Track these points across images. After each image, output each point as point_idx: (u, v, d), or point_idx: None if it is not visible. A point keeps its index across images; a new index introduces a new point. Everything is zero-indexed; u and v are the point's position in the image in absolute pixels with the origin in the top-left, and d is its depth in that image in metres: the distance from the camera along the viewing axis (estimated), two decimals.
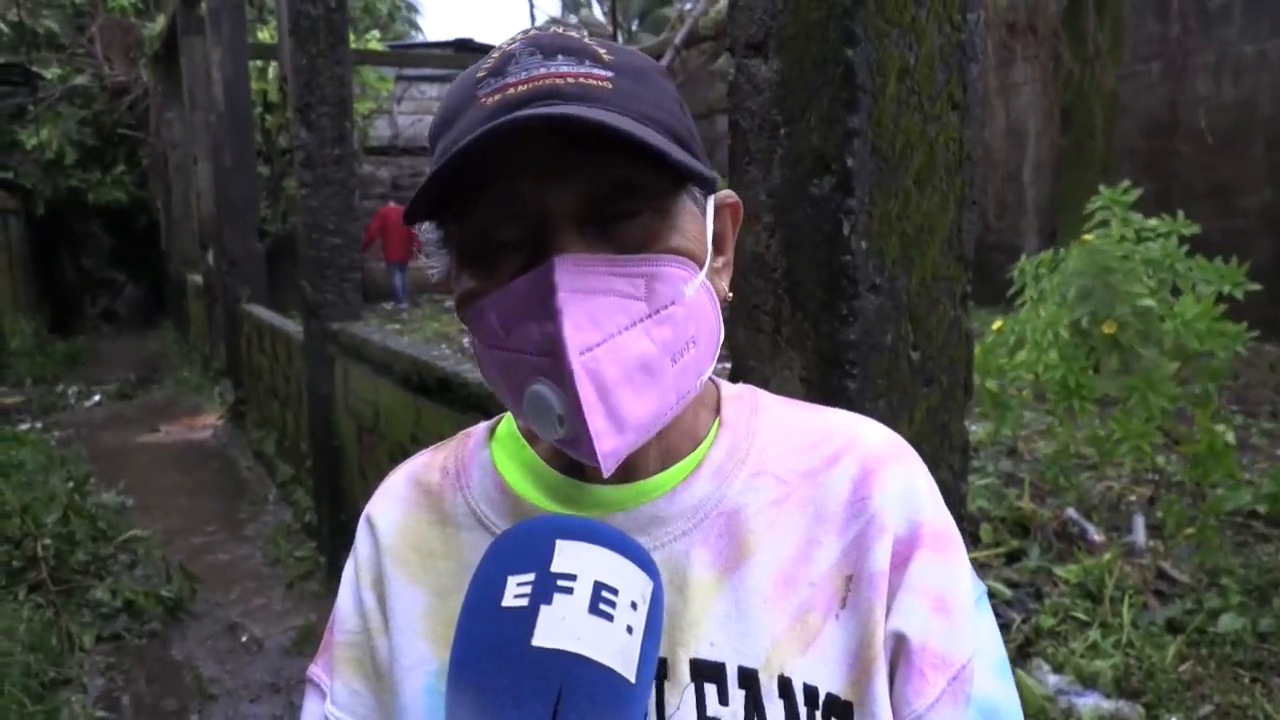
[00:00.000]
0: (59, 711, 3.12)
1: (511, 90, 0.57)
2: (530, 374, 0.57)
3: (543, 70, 0.57)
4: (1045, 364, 3.17)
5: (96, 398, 9.02)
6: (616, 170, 0.56)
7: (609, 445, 0.55)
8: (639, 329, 0.56)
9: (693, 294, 0.59)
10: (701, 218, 0.63)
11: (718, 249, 0.67)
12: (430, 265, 0.66)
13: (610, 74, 0.58)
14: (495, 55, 0.60)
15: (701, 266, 0.61)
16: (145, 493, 5.64)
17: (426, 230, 0.64)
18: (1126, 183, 3.43)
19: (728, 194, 0.68)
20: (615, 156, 0.55)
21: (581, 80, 0.57)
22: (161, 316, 14.07)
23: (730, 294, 0.67)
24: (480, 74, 0.59)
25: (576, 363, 0.54)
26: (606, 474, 0.57)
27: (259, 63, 10.86)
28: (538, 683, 0.48)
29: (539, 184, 0.56)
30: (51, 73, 12.45)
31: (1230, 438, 3.08)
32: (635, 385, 0.56)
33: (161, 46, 11.11)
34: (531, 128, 0.52)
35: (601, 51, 0.59)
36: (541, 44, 0.59)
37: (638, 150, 0.54)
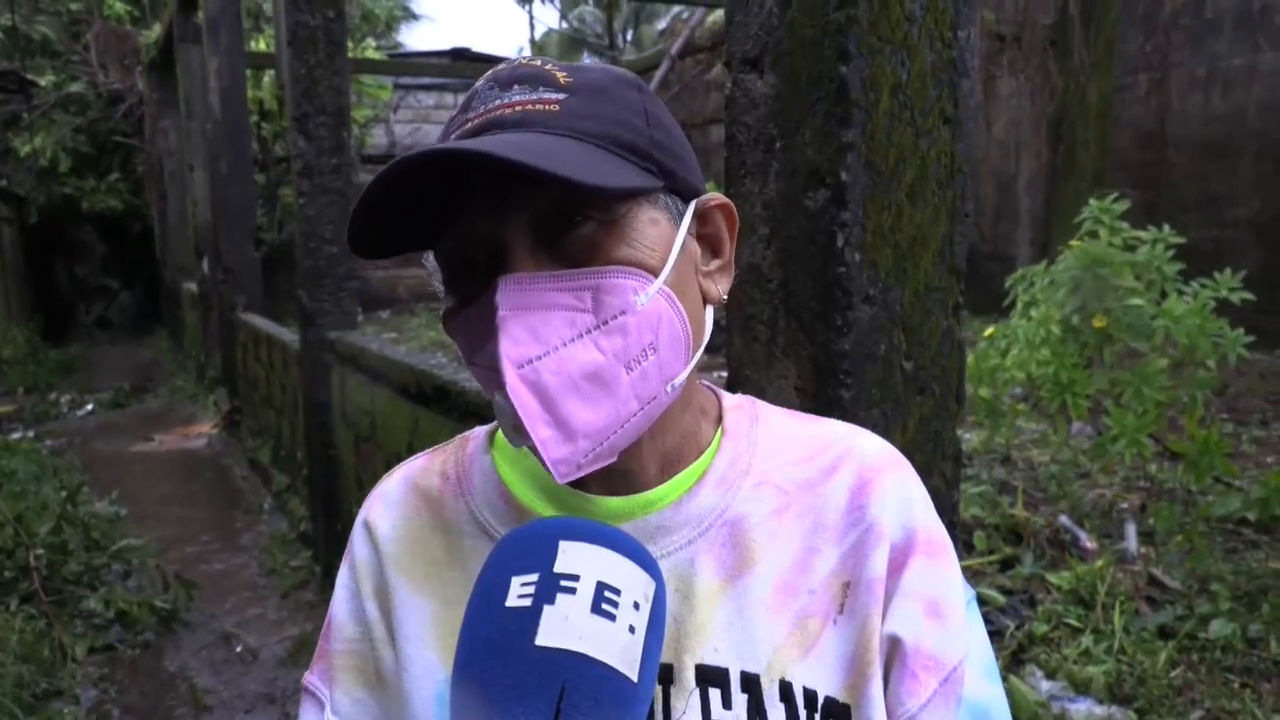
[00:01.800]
0: None
1: (468, 124, 0.61)
2: (494, 387, 0.60)
3: (497, 102, 0.61)
4: (1037, 362, 3.19)
5: (90, 406, 8.99)
6: (555, 190, 0.57)
7: (557, 453, 0.57)
8: (586, 340, 0.58)
9: (645, 302, 0.60)
10: (670, 224, 0.64)
11: (715, 252, 0.69)
12: (436, 287, 0.69)
13: (562, 96, 0.61)
14: (467, 94, 0.64)
15: (657, 274, 0.61)
16: (139, 502, 5.62)
17: (429, 255, 0.69)
18: (1114, 193, 3.46)
19: (713, 196, 0.69)
20: (542, 177, 0.57)
21: (527, 108, 0.60)
22: (156, 325, 14.04)
23: (724, 296, 0.69)
24: (456, 112, 0.64)
25: (513, 375, 0.56)
26: (561, 481, 0.59)
27: (254, 71, 10.87)
28: (540, 682, 0.49)
29: (492, 213, 0.60)
30: (46, 80, 12.44)
31: (1217, 438, 3.10)
32: (582, 394, 0.58)
33: (158, 54, 11.12)
34: (464, 161, 0.55)
35: (561, 75, 0.62)
36: (499, 78, 0.63)
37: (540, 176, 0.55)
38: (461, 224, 0.61)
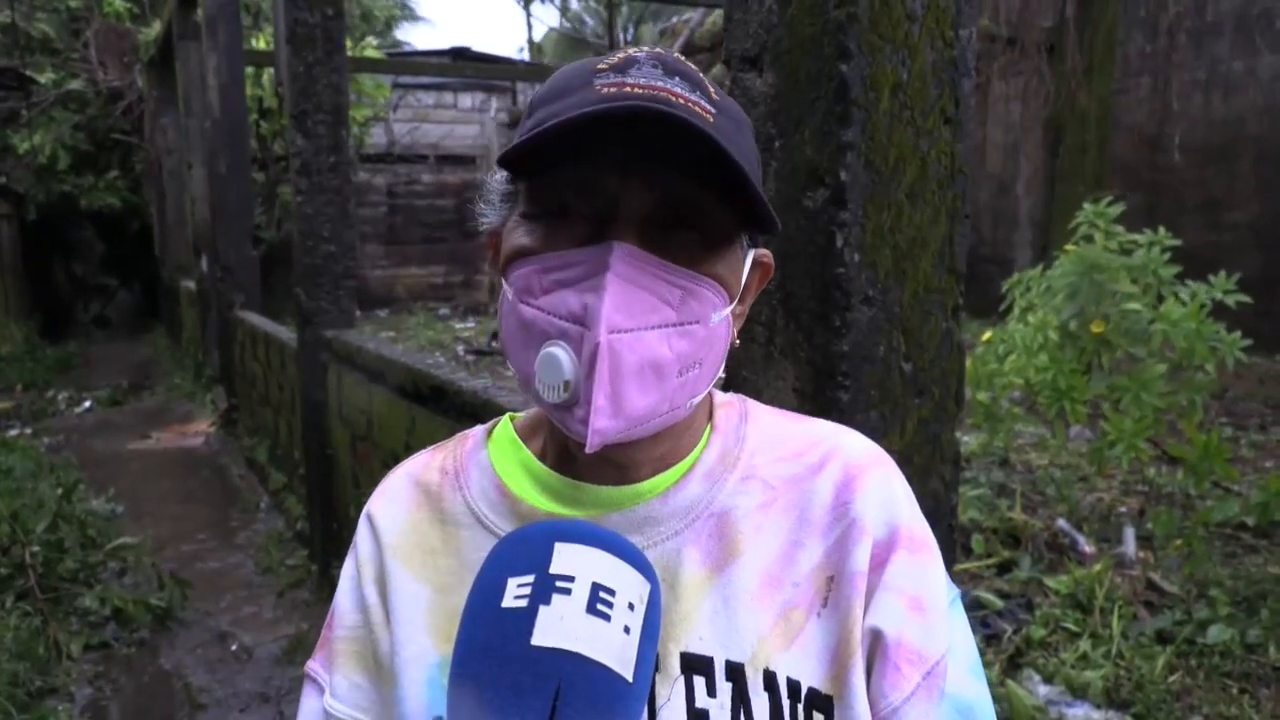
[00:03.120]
0: None
1: (629, 88, 0.60)
2: (551, 336, 0.60)
3: (660, 83, 0.61)
4: (1035, 367, 3.20)
5: (87, 404, 8.97)
6: (691, 189, 0.60)
7: (602, 423, 0.58)
8: (663, 333, 0.60)
9: (717, 320, 0.63)
10: (742, 263, 0.67)
11: (740, 298, 0.71)
12: (484, 213, 0.70)
13: (714, 110, 0.62)
14: (618, 56, 0.64)
15: (732, 301, 0.65)
16: (136, 500, 5.61)
17: (496, 180, 0.69)
18: (1109, 197, 3.46)
19: (764, 253, 0.72)
20: (695, 178, 0.60)
21: (691, 105, 0.61)
22: (154, 322, 14.02)
23: (738, 341, 0.71)
24: (601, 67, 0.63)
25: (605, 338, 0.57)
26: (590, 450, 0.59)
27: (254, 69, 10.86)
28: (536, 681, 0.49)
29: (623, 175, 0.60)
30: (46, 77, 12.42)
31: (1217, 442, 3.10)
32: (643, 380, 0.59)
33: (157, 52, 11.11)
34: (641, 120, 0.56)
35: (711, 89, 0.64)
36: (664, 61, 0.63)
37: (723, 170, 0.58)
38: (587, 170, 0.61)
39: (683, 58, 0.66)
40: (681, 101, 0.60)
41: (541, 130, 0.57)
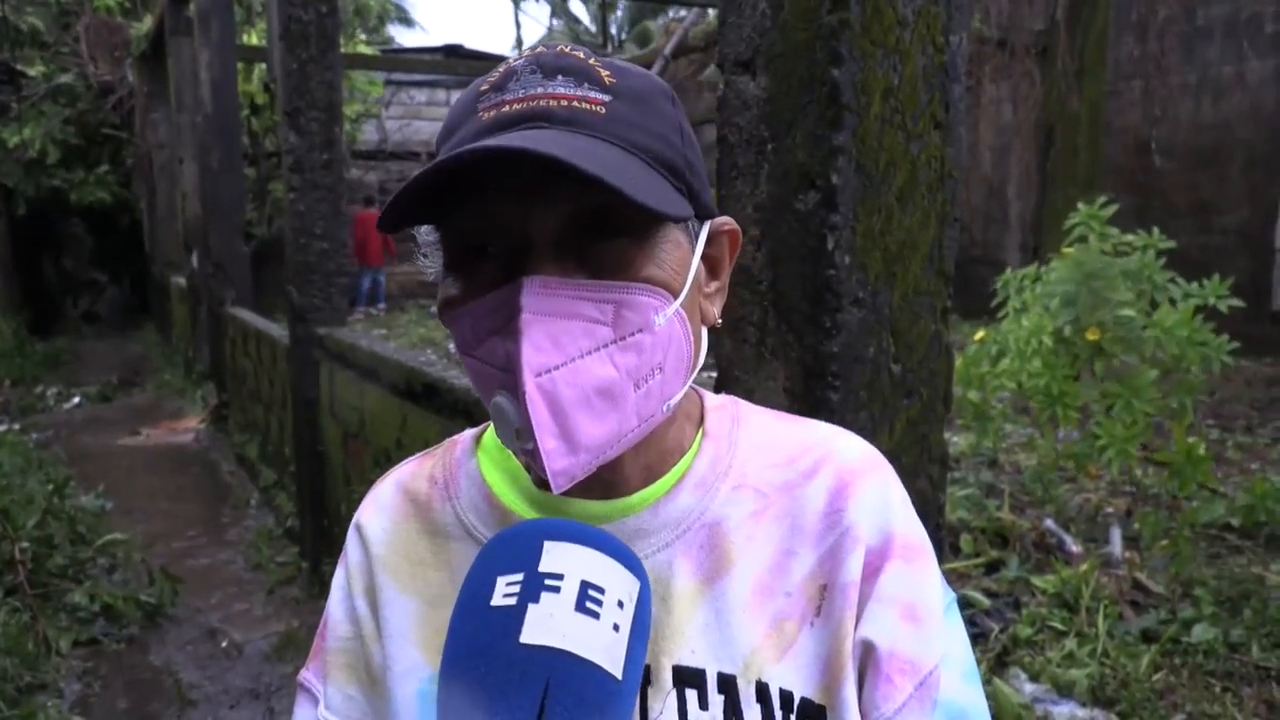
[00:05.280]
0: (34, 716, 3.08)
1: (506, 108, 0.58)
2: (495, 385, 0.59)
3: (539, 90, 0.59)
4: (1029, 372, 3.22)
5: (76, 400, 8.93)
6: (598, 197, 0.56)
7: (560, 464, 0.57)
8: (602, 354, 0.58)
9: (663, 323, 0.60)
10: (688, 246, 0.64)
11: (713, 274, 0.69)
12: (426, 265, 0.67)
13: (607, 97, 0.59)
14: (499, 70, 0.61)
15: (676, 296, 0.61)
16: (125, 496, 5.59)
17: (426, 231, 0.66)
18: (1104, 198, 3.48)
19: (725, 221, 0.69)
20: (592, 184, 0.55)
21: (574, 104, 0.58)
22: (144, 318, 13.96)
23: (719, 320, 0.69)
24: (484, 88, 0.61)
25: (531, 384, 0.55)
26: (557, 491, 0.58)
27: (244, 65, 10.82)
28: (525, 679, 0.49)
29: (521, 205, 0.58)
30: (36, 70, 12.34)
31: (1201, 450, 3.13)
32: (592, 408, 0.57)
33: (148, 46, 11.05)
34: (477, 151, 0.53)
35: (605, 74, 0.60)
36: (543, 63, 0.60)
37: (591, 181, 0.54)
38: (484, 208, 0.59)
39: (567, 49, 0.61)
40: (561, 104, 0.58)
41: (405, 190, 0.55)
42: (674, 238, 0.62)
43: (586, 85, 0.59)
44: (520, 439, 0.57)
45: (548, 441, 0.56)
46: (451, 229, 0.61)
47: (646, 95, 0.62)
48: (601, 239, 0.59)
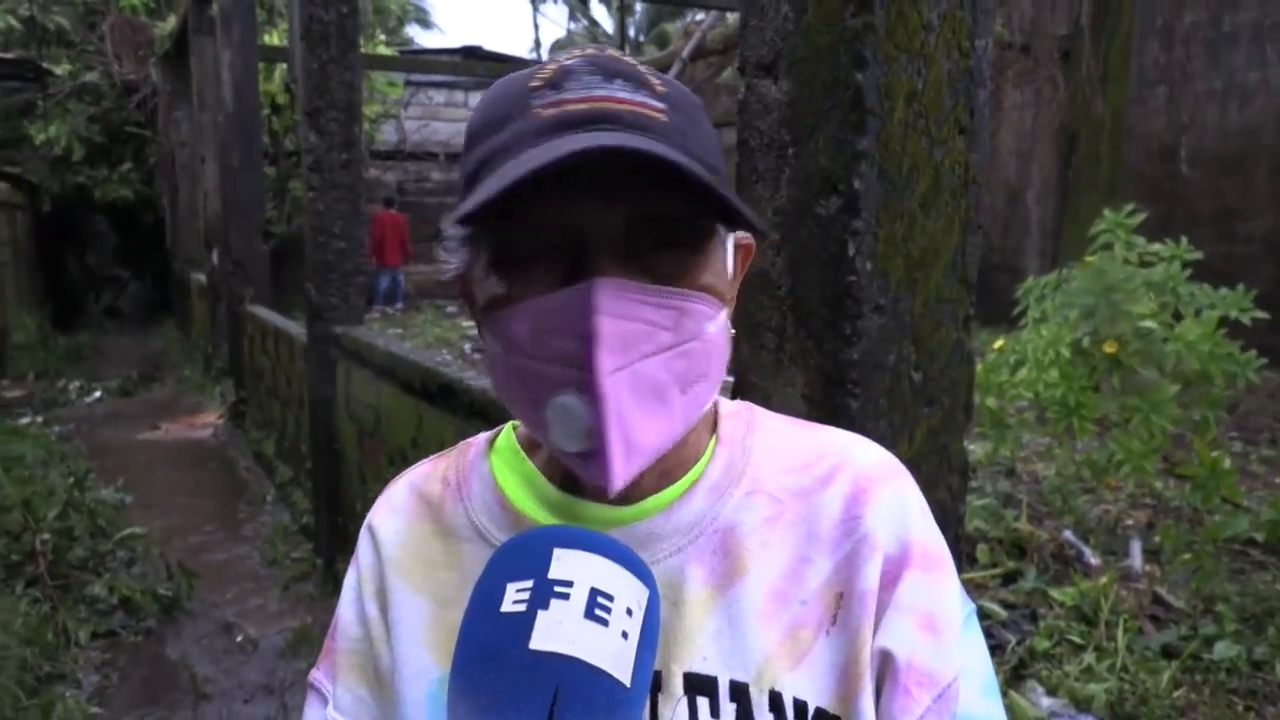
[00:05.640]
0: (53, 707, 3.11)
1: (569, 106, 0.58)
2: (555, 385, 0.58)
3: (601, 92, 0.58)
4: (1046, 383, 3.18)
5: (98, 394, 9.03)
6: (662, 202, 0.57)
7: (620, 467, 0.57)
8: (661, 358, 0.58)
9: (713, 331, 0.61)
10: (726, 259, 0.65)
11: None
12: (448, 260, 0.66)
13: (664, 105, 0.59)
14: (550, 68, 0.60)
15: (724, 305, 0.63)
16: (144, 490, 5.64)
17: (449, 227, 0.64)
18: (1130, 206, 3.44)
19: (744, 235, 0.69)
20: (662, 189, 0.56)
21: (637, 109, 0.58)
22: (165, 314, 14.09)
23: (733, 330, 0.69)
24: (535, 84, 0.60)
25: (606, 382, 0.55)
26: (613, 494, 0.58)
27: (265, 64, 10.90)
28: (534, 685, 0.49)
29: (587, 205, 0.57)
30: (62, 69, 12.49)
31: (1226, 464, 3.08)
32: (649, 412, 0.58)
33: (172, 46, 11.17)
34: (589, 152, 0.53)
35: (656, 82, 0.61)
36: (600, 64, 0.60)
37: (690, 186, 0.55)
38: (542, 209, 0.57)
39: (618, 54, 0.62)
40: (626, 108, 0.58)
41: (488, 199, 0.53)
42: (721, 247, 0.63)
43: (643, 92, 0.59)
44: (590, 439, 0.57)
45: (616, 442, 0.56)
46: (509, 228, 0.59)
47: (692, 107, 0.63)
48: (661, 245, 0.59)
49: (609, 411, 0.55)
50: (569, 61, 0.60)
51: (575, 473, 0.62)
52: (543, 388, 0.59)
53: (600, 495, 0.66)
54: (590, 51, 0.62)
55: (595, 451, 0.57)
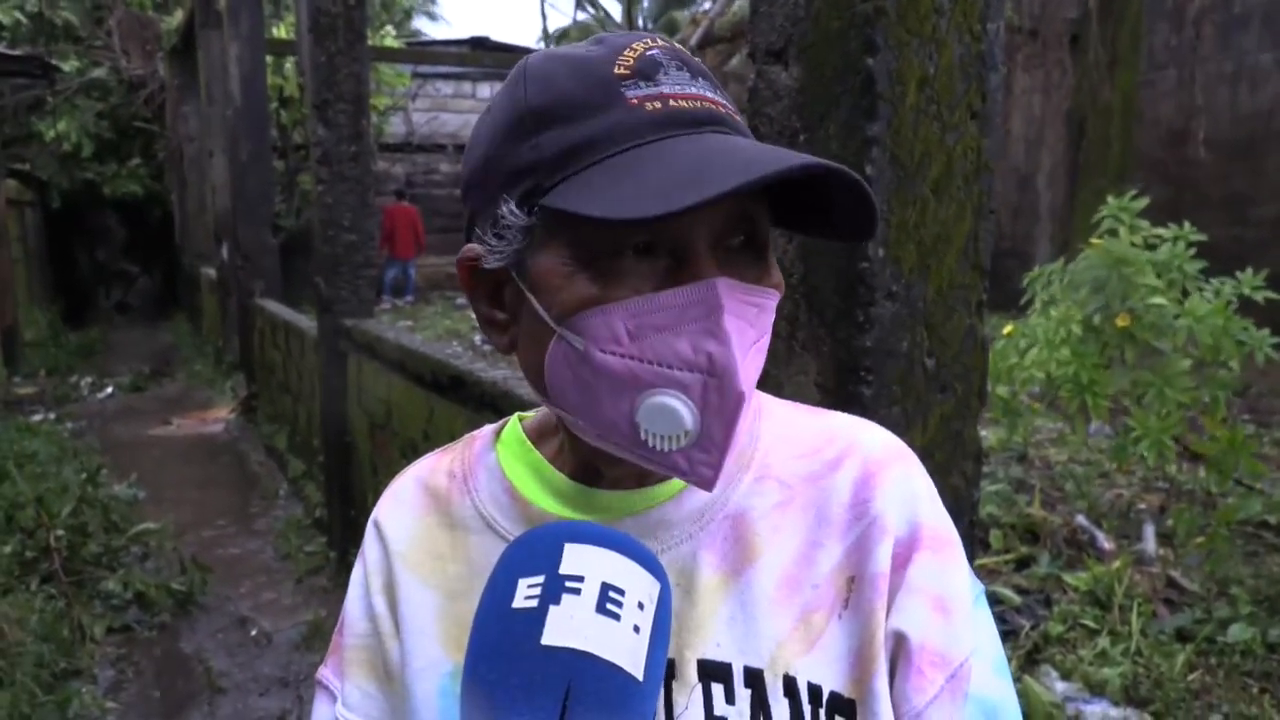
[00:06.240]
0: (69, 702, 3.14)
1: (675, 103, 0.57)
2: (654, 384, 0.57)
3: (694, 89, 0.58)
4: (1058, 361, 3.16)
5: (109, 389, 9.08)
6: (746, 203, 0.58)
7: (720, 462, 0.58)
8: (754, 355, 0.58)
9: (770, 326, 0.62)
10: None
11: None
12: (495, 246, 0.61)
13: (725, 102, 0.60)
14: (631, 56, 0.58)
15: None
16: (156, 485, 5.68)
17: (509, 213, 0.60)
18: (1134, 190, 3.42)
19: None
20: (753, 192, 0.57)
21: (729, 111, 0.59)
22: (175, 309, 14.16)
23: None
24: (620, 71, 0.57)
25: (745, 388, 0.56)
26: (711, 490, 0.59)
27: (274, 57, 10.91)
28: (546, 680, 0.49)
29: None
30: (69, 65, 12.52)
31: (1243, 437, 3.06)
32: (741, 409, 0.58)
33: (179, 40, 11.18)
34: (815, 167, 0.54)
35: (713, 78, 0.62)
36: (682, 59, 0.59)
37: (856, 190, 0.56)
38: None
39: (680, 47, 0.61)
40: (723, 110, 0.58)
41: (681, 206, 0.51)
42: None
43: (717, 90, 0.60)
44: (686, 439, 0.57)
45: (728, 443, 0.56)
46: (602, 224, 0.55)
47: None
48: (745, 245, 0.60)
49: (739, 417, 0.56)
50: (649, 51, 0.59)
51: (662, 470, 0.60)
52: (638, 385, 0.57)
53: (613, 484, 0.67)
54: (661, 41, 0.60)
55: (700, 450, 0.57)
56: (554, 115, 0.58)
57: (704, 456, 0.57)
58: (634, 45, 0.59)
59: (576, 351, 0.59)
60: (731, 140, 0.57)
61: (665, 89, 0.57)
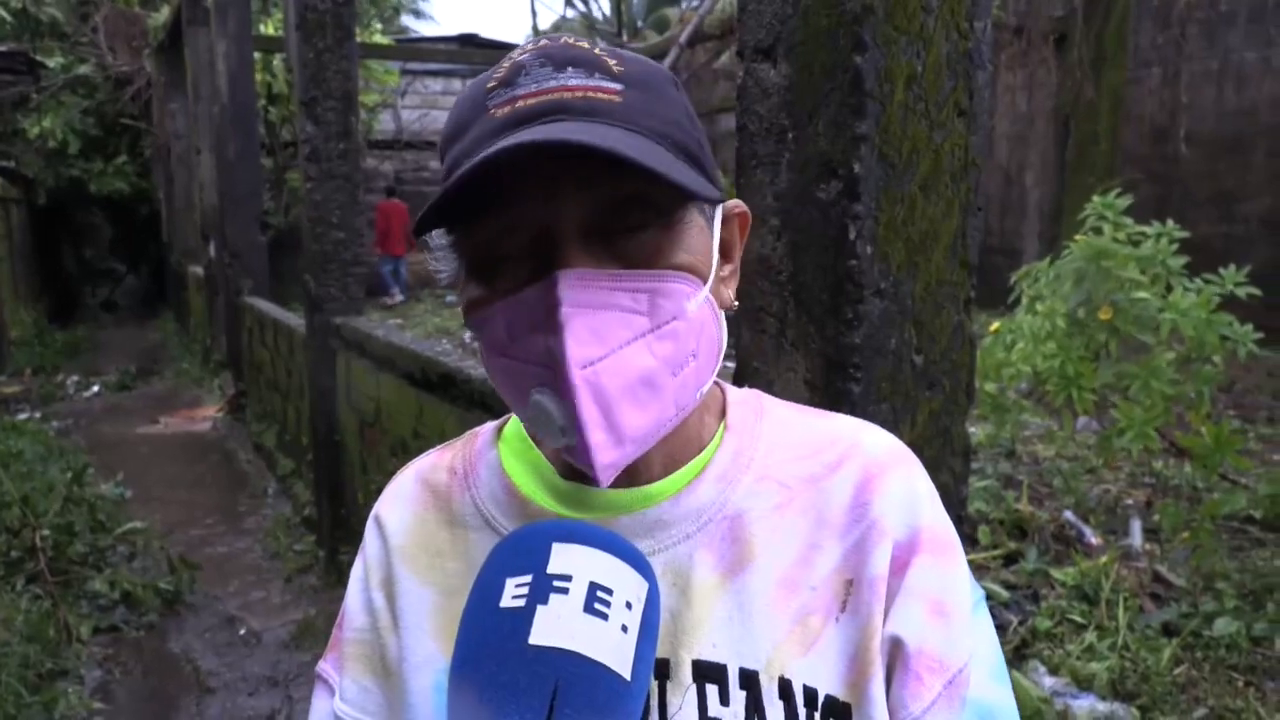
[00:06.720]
0: (56, 703, 3.12)
1: (520, 103, 0.57)
2: (533, 383, 0.58)
3: (552, 83, 0.58)
4: (1043, 355, 3.17)
5: (95, 388, 9.02)
6: (623, 186, 0.56)
7: (607, 458, 0.57)
8: (641, 343, 0.57)
9: (695, 309, 0.60)
10: (709, 230, 0.64)
11: (725, 257, 0.68)
12: (438, 268, 0.66)
13: (620, 86, 0.59)
14: (505, 65, 0.60)
15: (705, 281, 0.62)
16: (144, 484, 5.65)
17: (436, 235, 0.64)
18: (1118, 188, 3.44)
19: (736, 203, 0.69)
20: (620, 174, 0.55)
21: (589, 94, 0.58)
22: (162, 307, 14.07)
23: (736, 302, 0.68)
24: (490, 84, 0.60)
25: (578, 377, 0.55)
26: (604, 485, 0.58)
27: (262, 54, 10.85)
28: (534, 680, 0.49)
29: (546, 199, 0.57)
30: (55, 61, 12.43)
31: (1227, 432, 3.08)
32: (636, 399, 0.57)
33: (166, 37, 11.10)
34: (520, 147, 0.53)
35: (612, 63, 0.60)
36: (551, 55, 0.59)
37: (635, 168, 0.54)
38: (506, 206, 0.58)
39: (571, 40, 0.61)
40: (578, 95, 0.57)
41: (442, 196, 0.54)
42: (697, 222, 0.62)
43: (598, 75, 0.59)
44: (565, 435, 0.57)
45: (595, 435, 0.56)
46: (475, 231, 0.60)
47: (654, 82, 0.62)
48: (628, 228, 0.59)
49: (583, 408, 0.55)
50: (521, 56, 0.60)
51: (580, 468, 0.62)
52: (522, 385, 0.59)
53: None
54: (544, 42, 0.61)
55: (580, 446, 0.57)
56: (449, 138, 0.62)
57: (580, 452, 0.57)
58: (512, 55, 0.61)
59: (483, 354, 0.62)
60: (553, 126, 0.55)
61: (519, 91, 0.58)
